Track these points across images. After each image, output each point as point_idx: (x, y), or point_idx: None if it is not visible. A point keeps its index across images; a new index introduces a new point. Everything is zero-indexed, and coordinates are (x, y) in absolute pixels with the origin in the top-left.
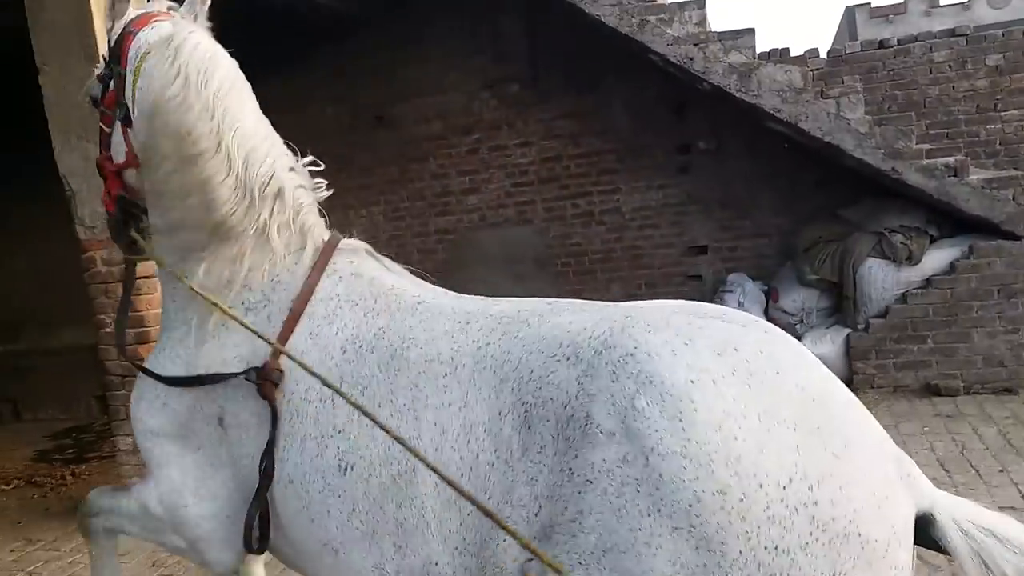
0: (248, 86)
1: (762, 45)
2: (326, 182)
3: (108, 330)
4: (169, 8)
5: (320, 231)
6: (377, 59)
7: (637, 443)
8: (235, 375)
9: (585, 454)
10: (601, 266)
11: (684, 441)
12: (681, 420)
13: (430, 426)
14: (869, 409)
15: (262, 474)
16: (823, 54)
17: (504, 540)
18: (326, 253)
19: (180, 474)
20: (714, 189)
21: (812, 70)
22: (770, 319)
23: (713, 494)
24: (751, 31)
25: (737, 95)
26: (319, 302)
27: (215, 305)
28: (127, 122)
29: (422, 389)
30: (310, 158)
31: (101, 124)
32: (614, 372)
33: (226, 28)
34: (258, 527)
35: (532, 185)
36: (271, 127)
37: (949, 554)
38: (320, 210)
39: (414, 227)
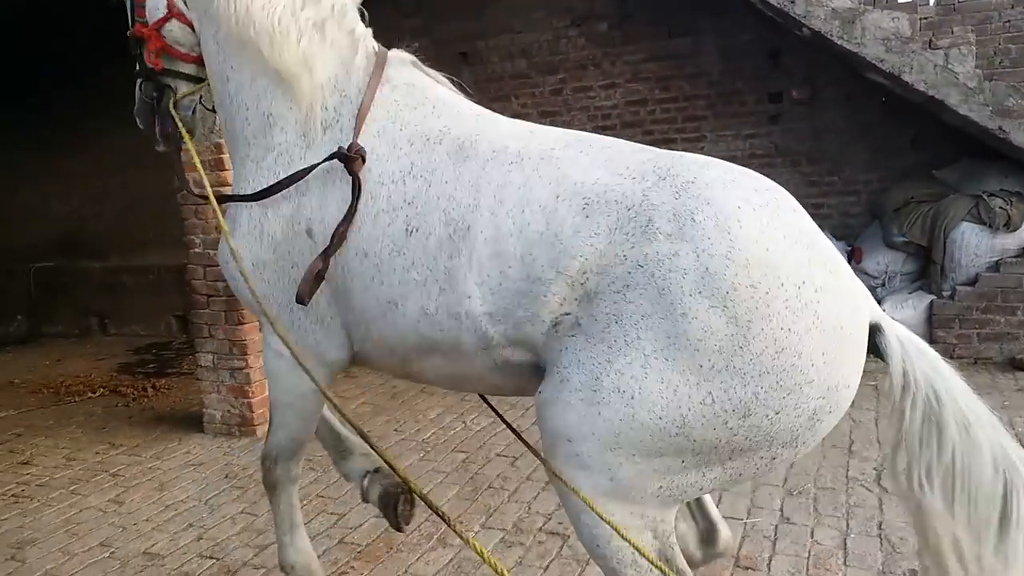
0: None
1: None
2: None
3: (197, 251)
4: None
5: (370, 40)
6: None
7: (691, 244)
8: (328, 159)
9: (641, 247)
10: None
11: (729, 248)
12: (729, 233)
13: (488, 197)
14: None
15: (333, 237)
16: (932, 2)
17: (546, 291)
18: (380, 64)
19: (285, 296)
20: (804, 141)
21: (920, 19)
22: None
23: (747, 287)
24: None
25: (838, 42)
26: (379, 107)
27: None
28: None
29: (487, 171)
30: None
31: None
32: (677, 192)
33: None
34: (313, 283)
35: (615, 129)
36: None
37: (883, 359)
38: (363, 12)
39: None
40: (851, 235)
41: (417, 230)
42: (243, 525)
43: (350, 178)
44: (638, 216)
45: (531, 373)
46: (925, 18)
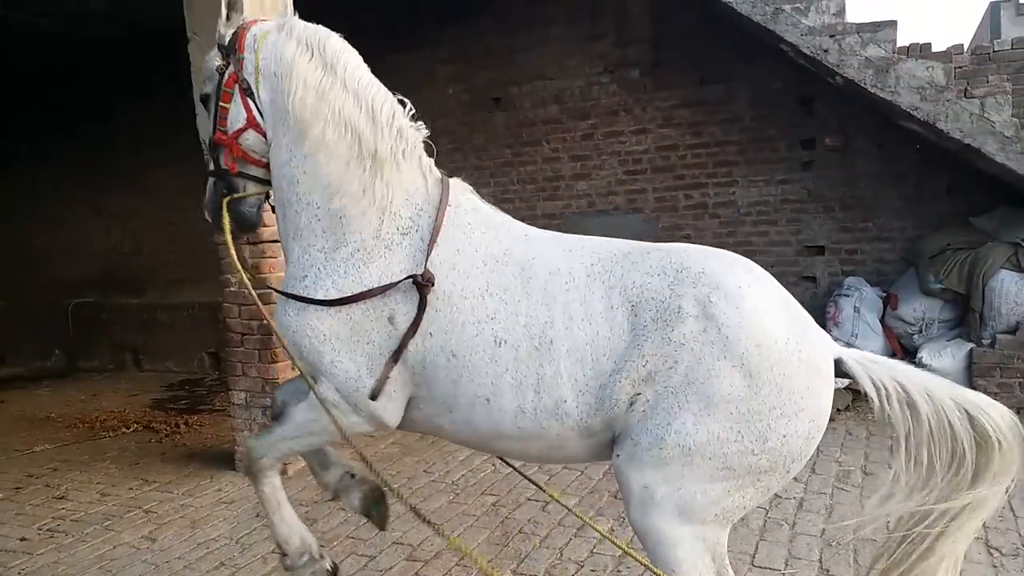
0: (349, 47)
1: (901, 40)
2: (423, 126)
3: (232, 289)
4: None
5: (432, 167)
6: (497, 41)
7: (713, 321)
8: (406, 279)
9: (679, 328)
10: None
11: (739, 319)
12: (738, 308)
13: (560, 314)
14: None
15: (404, 336)
16: (967, 52)
17: (620, 380)
18: (446, 188)
19: (355, 365)
20: (837, 187)
21: (955, 68)
22: (887, 327)
23: (755, 347)
24: (892, 23)
25: (872, 91)
26: (454, 227)
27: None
28: (248, 93)
29: (550, 290)
30: (410, 106)
31: (220, 103)
32: (694, 282)
33: (353, 10)
34: (383, 375)
35: (645, 173)
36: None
37: (852, 378)
38: (429, 146)
39: (522, 210)
40: (886, 282)
41: (506, 342)
42: (274, 565)
43: (418, 296)
44: (669, 306)
45: (609, 443)
46: (960, 67)
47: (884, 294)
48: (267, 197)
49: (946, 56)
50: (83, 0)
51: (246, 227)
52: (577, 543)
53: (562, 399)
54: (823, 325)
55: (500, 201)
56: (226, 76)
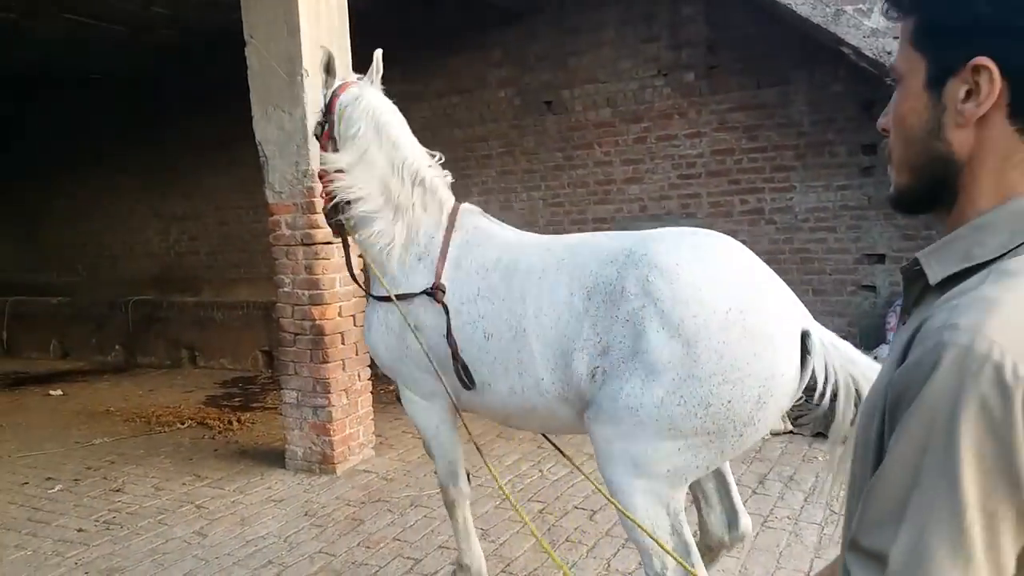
0: (402, 119)
1: None
2: (448, 174)
3: (286, 290)
4: (358, 78)
5: (449, 202)
6: (549, 44)
7: (650, 297)
8: (423, 292)
9: (624, 307)
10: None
11: (673, 293)
12: (672, 283)
13: (532, 305)
14: None
15: (451, 346)
16: None
17: (582, 356)
18: (452, 216)
19: (402, 364)
20: None
21: None
22: None
23: (692, 317)
24: None
25: None
26: (455, 247)
27: (376, 273)
28: (335, 147)
29: (525, 286)
30: (439, 156)
31: (321, 151)
32: (636, 264)
33: (405, 17)
34: (464, 375)
35: (699, 178)
36: (416, 142)
37: (809, 354)
38: (450, 185)
39: (572, 214)
40: None
41: (492, 335)
42: (321, 564)
43: (439, 305)
44: (615, 288)
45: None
46: None
47: None
48: None
49: None
50: (145, 5)
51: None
52: (625, 554)
53: (540, 377)
54: (882, 336)
55: (551, 205)
56: (323, 131)
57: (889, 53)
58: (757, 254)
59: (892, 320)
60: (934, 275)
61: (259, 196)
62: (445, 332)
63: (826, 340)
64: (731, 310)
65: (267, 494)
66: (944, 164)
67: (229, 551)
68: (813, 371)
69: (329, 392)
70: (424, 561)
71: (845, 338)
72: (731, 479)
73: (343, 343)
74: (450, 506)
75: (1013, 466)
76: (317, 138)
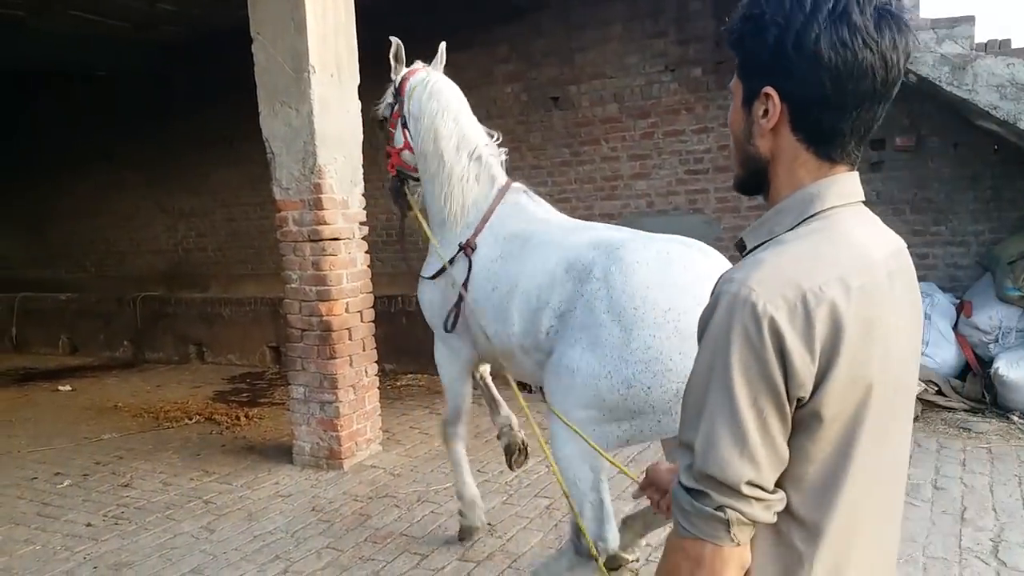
0: (465, 101)
1: (980, 36)
2: (504, 151)
3: (294, 286)
4: (423, 65)
5: (502, 178)
6: (555, 40)
7: (607, 283)
8: (459, 250)
9: (586, 286)
10: None
11: (624, 285)
12: (627, 278)
13: (529, 266)
14: None
15: (460, 294)
16: None
17: (545, 314)
18: (502, 192)
19: (440, 316)
20: (907, 190)
21: None
22: (960, 336)
23: (632, 309)
24: (970, 19)
25: (948, 89)
26: (496, 217)
27: (426, 233)
28: (405, 125)
29: (530, 253)
30: (498, 135)
31: (390, 128)
32: (608, 255)
33: (411, 11)
34: (452, 320)
35: (706, 173)
36: (477, 122)
37: None
38: (503, 163)
39: (579, 210)
40: (959, 288)
41: (496, 289)
42: (328, 560)
43: (467, 260)
44: (587, 270)
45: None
46: None
47: (957, 301)
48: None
49: None
50: (151, 2)
51: (407, 206)
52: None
53: (512, 324)
54: None
55: (557, 201)
56: (393, 111)
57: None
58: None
59: None
60: (749, 246)
61: (266, 192)
62: (463, 282)
63: None
64: (670, 311)
65: (274, 489)
66: (756, 161)
67: (236, 546)
68: None
69: (336, 388)
70: (431, 556)
71: None
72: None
73: (350, 339)
74: (446, 440)
75: (768, 374)
76: (386, 119)
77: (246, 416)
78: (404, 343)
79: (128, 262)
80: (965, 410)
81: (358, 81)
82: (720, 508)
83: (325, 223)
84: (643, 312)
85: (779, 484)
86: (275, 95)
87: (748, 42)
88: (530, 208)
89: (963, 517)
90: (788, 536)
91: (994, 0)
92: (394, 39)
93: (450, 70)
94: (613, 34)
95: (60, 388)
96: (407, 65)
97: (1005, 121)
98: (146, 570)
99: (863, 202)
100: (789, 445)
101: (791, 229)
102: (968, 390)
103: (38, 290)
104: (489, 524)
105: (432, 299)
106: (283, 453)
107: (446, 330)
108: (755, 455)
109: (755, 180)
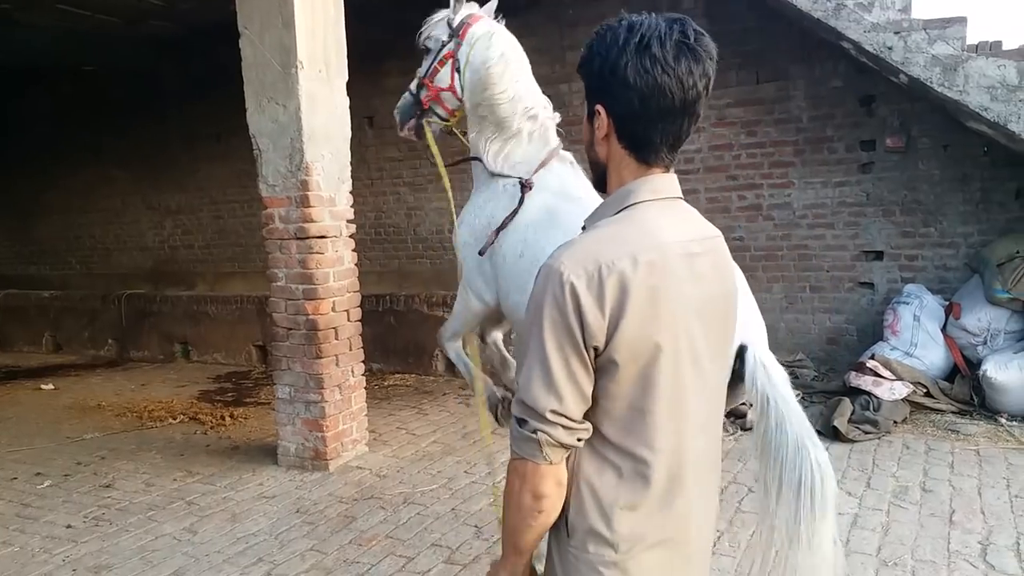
0: (525, 59)
1: (971, 37)
2: (558, 116)
3: (280, 284)
4: (485, 12)
5: (553, 143)
6: (548, 38)
7: None
8: (515, 180)
9: None
10: (764, 264)
11: None
12: None
13: (544, 241)
14: None
15: (489, 239)
16: None
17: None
18: (551, 155)
19: (475, 259)
20: (897, 191)
21: None
22: (948, 338)
23: None
24: (962, 20)
25: (939, 90)
26: (538, 177)
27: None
28: (457, 69)
29: (555, 230)
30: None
31: (436, 64)
32: None
33: (401, 6)
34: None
35: (697, 173)
36: (536, 85)
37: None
38: (559, 130)
39: None
40: (948, 290)
41: (522, 256)
42: (312, 562)
43: (519, 196)
44: None
45: None
46: None
47: (946, 302)
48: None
49: (1019, 54)
50: None
51: (424, 139)
52: None
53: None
54: (879, 333)
55: None
56: (445, 50)
57: (890, 48)
58: (753, 251)
59: (890, 318)
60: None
61: (254, 189)
62: (499, 226)
63: (760, 358)
64: None
65: (259, 490)
66: (597, 165)
67: (219, 548)
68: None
69: (322, 388)
70: (417, 559)
71: (843, 335)
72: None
73: (337, 338)
74: (442, 348)
75: (568, 326)
76: (430, 52)
77: (231, 416)
78: (392, 342)
79: (114, 259)
80: (953, 412)
81: (346, 77)
82: (534, 431)
83: (312, 220)
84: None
85: (595, 419)
86: (262, 91)
87: (583, 70)
88: (569, 181)
89: (951, 520)
90: (608, 457)
91: (986, 2)
92: None
93: None
94: None
95: (43, 387)
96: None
97: (995, 123)
98: (126, 572)
99: (681, 198)
100: (597, 386)
101: (611, 216)
102: (956, 392)
103: (22, 287)
104: (475, 527)
105: (468, 237)
106: (268, 454)
107: (481, 253)
108: (559, 390)
109: (600, 180)
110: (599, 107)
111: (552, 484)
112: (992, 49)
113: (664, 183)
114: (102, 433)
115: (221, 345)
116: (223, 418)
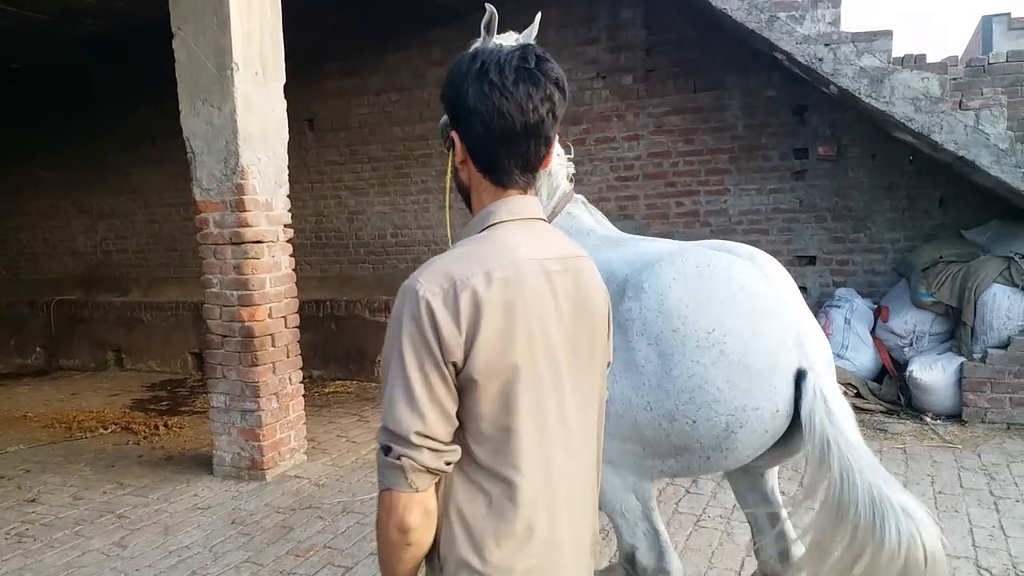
0: None
1: (896, 51)
2: (572, 165)
3: (214, 290)
4: (516, 39)
5: (564, 189)
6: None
7: (639, 303)
8: None
9: (620, 305)
10: None
11: (660, 305)
12: (661, 295)
13: None
14: (977, 444)
15: None
16: (962, 63)
17: None
18: (561, 203)
19: None
20: (829, 198)
21: (951, 79)
22: (877, 340)
23: (672, 331)
24: (887, 34)
25: (867, 100)
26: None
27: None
28: None
29: None
30: (571, 151)
31: None
32: (640, 271)
33: (346, 10)
34: None
35: (636, 180)
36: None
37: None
38: (571, 177)
39: None
40: (877, 293)
41: None
42: (248, 574)
43: None
44: (619, 290)
45: None
46: (955, 79)
47: (875, 306)
48: None
49: (941, 67)
50: None
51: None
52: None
53: None
54: None
55: None
56: None
57: (820, 59)
58: None
59: (822, 321)
60: None
61: (190, 193)
62: None
63: (819, 388)
64: (714, 331)
65: (193, 502)
66: (463, 188)
67: (150, 562)
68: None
69: (258, 396)
70: (355, 569)
71: None
72: (782, 510)
73: (273, 345)
74: None
75: (427, 343)
76: None
77: (165, 425)
78: (332, 349)
79: (43, 264)
80: (882, 412)
81: (284, 80)
82: (399, 458)
83: (247, 225)
84: (683, 335)
85: (465, 442)
86: (196, 93)
87: (442, 99)
88: (581, 217)
89: None
90: (479, 483)
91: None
92: (489, 6)
93: (383, 71)
94: (546, 40)
95: None
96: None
97: (920, 133)
98: None
99: (541, 219)
100: (463, 406)
101: (471, 237)
102: (885, 392)
103: None
104: None
105: None
106: (203, 464)
107: None
108: (422, 410)
109: (468, 203)
110: (454, 133)
111: (419, 514)
112: (916, 62)
113: (521, 204)
114: (27, 445)
115: (156, 353)
116: (157, 428)
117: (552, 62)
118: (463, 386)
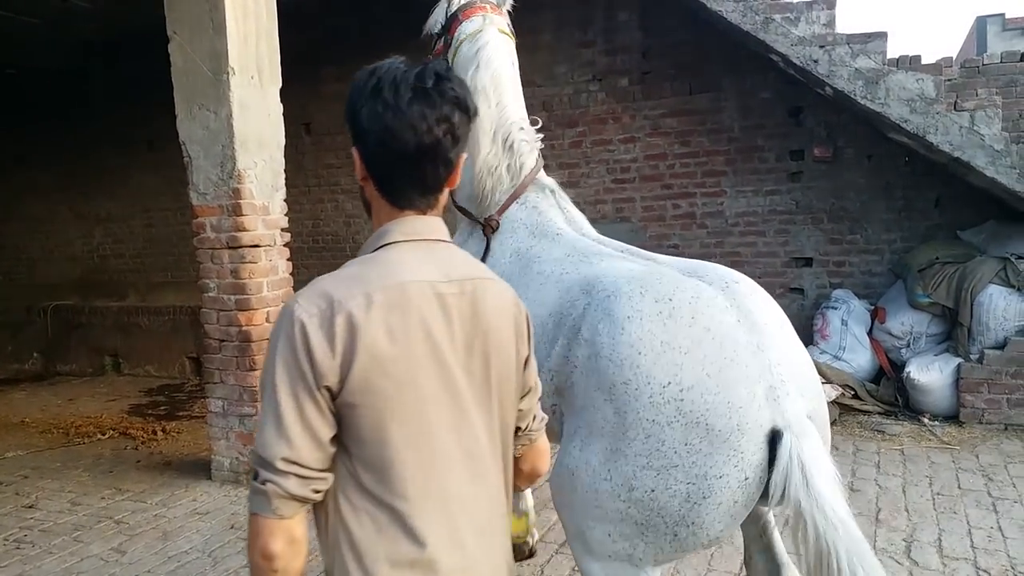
0: (515, 72)
1: (891, 52)
2: (541, 138)
3: (212, 294)
4: (484, 2)
5: (529, 167)
6: None
7: (594, 348)
8: (480, 223)
9: (575, 351)
10: None
11: (611, 351)
12: (614, 339)
13: (531, 298)
14: (974, 445)
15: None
16: (957, 64)
17: (545, 382)
18: (523, 186)
19: None
20: (825, 199)
21: (945, 80)
22: (874, 341)
23: (622, 383)
24: (882, 35)
25: (862, 102)
26: (505, 218)
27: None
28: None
29: (529, 283)
30: (539, 124)
31: (429, 58)
32: (596, 306)
33: (337, 12)
34: None
35: (633, 182)
36: (522, 101)
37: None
38: (539, 154)
39: None
40: (874, 295)
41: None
42: None
43: (485, 239)
44: (575, 326)
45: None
46: (949, 80)
47: (872, 307)
48: None
49: (936, 68)
50: None
51: None
52: (559, 560)
53: None
54: (810, 338)
55: None
56: (437, 43)
57: (816, 61)
58: (689, 257)
59: (819, 323)
60: None
61: (187, 197)
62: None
63: (798, 454)
64: (670, 385)
65: (192, 507)
66: (366, 205)
67: (149, 568)
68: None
69: (256, 400)
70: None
71: None
72: (775, 536)
73: None
74: None
75: (300, 366)
76: (432, 38)
77: (163, 430)
78: None
79: (40, 269)
80: (879, 413)
81: (280, 84)
82: (264, 483)
83: (244, 229)
84: (635, 388)
85: (351, 467)
86: (193, 97)
87: (344, 115)
88: (547, 214)
89: (877, 518)
90: (366, 508)
91: (903, 18)
92: None
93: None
94: (542, 43)
95: None
96: None
97: (915, 134)
98: None
99: (441, 240)
100: (345, 430)
101: (361, 257)
102: (882, 394)
103: None
104: None
105: None
106: (201, 469)
107: None
108: (290, 435)
109: (372, 220)
110: (354, 149)
111: (282, 542)
112: (911, 63)
113: (418, 225)
114: (25, 451)
115: (153, 357)
116: (155, 433)
117: (453, 81)
118: (342, 411)
